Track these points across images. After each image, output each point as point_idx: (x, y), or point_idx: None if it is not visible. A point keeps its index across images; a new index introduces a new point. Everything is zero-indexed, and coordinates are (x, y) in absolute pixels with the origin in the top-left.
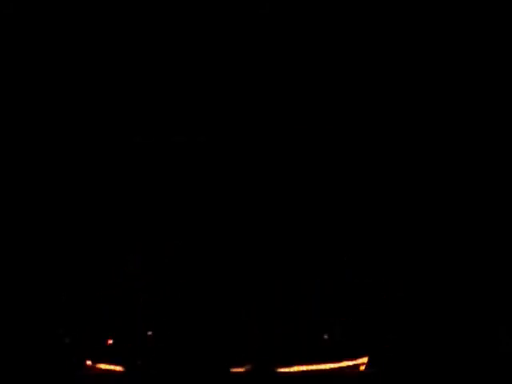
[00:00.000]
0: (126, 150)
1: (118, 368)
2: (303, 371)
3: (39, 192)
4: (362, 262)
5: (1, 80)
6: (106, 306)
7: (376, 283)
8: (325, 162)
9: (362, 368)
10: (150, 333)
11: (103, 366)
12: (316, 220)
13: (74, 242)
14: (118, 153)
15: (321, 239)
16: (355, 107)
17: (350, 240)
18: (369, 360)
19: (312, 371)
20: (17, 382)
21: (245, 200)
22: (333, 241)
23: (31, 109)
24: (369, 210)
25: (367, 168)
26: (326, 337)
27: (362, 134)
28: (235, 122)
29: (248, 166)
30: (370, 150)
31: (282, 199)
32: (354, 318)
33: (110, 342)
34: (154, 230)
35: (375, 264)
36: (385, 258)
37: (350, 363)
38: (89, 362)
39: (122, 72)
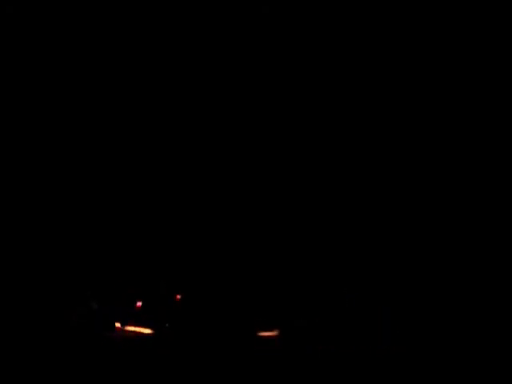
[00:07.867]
0: (126, 150)
1: (147, 331)
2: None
3: (38, 191)
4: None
5: (1, 79)
6: (134, 270)
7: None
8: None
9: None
10: (178, 296)
11: (132, 329)
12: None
13: (100, 218)
14: (118, 153)
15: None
16: (354, 108)
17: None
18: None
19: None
20: (48, 344)
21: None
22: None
23: (31, 109)
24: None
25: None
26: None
27: (360, 135)
28: (236, 122)
29: (249, 168)
30: (370, 156)
31: (284, 201)
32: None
33: (139, 304)
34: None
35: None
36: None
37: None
38: (118, 325)
39: (122, 73)
